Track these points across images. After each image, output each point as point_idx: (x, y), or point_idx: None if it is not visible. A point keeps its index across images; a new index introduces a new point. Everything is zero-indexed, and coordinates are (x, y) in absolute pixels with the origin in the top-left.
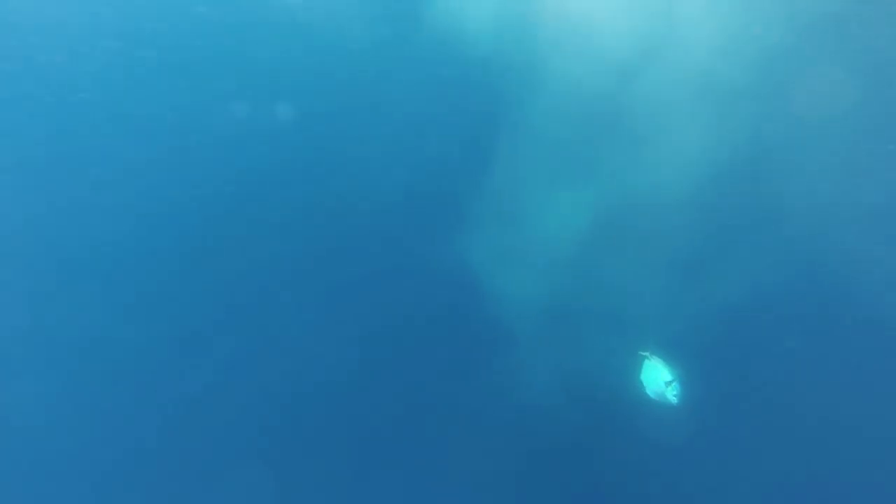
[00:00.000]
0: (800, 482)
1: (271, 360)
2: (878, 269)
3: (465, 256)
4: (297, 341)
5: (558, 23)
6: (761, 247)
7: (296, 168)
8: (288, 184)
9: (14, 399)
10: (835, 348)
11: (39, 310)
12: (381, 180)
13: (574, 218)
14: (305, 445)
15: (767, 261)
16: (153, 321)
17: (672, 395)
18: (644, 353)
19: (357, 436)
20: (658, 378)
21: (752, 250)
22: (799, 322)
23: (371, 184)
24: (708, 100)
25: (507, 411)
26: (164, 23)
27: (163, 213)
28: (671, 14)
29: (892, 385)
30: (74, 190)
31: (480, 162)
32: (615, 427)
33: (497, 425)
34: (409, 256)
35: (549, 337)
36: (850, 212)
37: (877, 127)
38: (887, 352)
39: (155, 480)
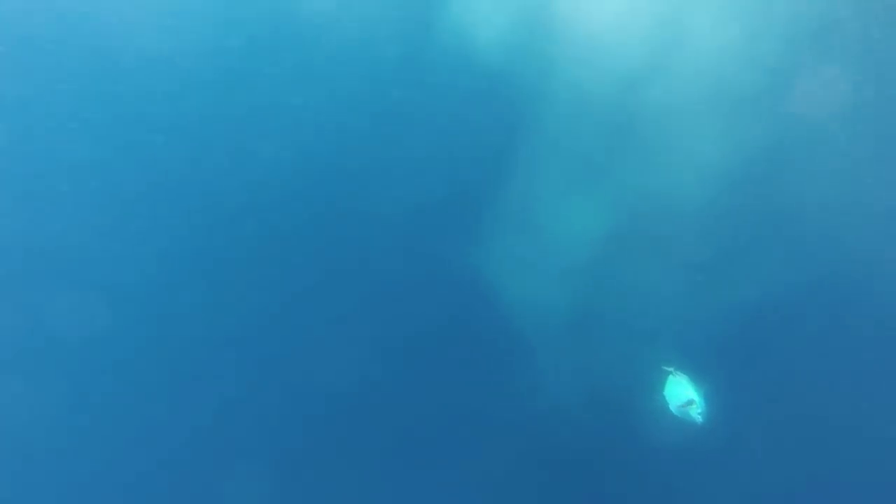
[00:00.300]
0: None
1: (292, 368)
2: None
3: (483, 264)
4: (318, 348)
5: (571, 32)
6: (777, 250)
7: (315, 178)
8: (305, 193)
9: (22, 400)
10: (855, 353)
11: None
12: (399, 189)
13: (590, 224)
14: (328, 449)
15: (784, 264)
16: (171, 328)
17: (696, 412)
18: (668, 369)
19: (376, 439)
20: (682, 395)
21: (769, 254)
22: (817, 326)
23: (389, 193)
24: (720, 105)
25: (526, 416)
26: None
27: (181, 219)
28: (681, 22)
29: None
30: (102, 197)
31: (497, 171)
32: (632, 433)
33: (516, 430)
34: (427, 264)
35: (567, 343)
36: (864, 213)
37: (885, 129)
38: None
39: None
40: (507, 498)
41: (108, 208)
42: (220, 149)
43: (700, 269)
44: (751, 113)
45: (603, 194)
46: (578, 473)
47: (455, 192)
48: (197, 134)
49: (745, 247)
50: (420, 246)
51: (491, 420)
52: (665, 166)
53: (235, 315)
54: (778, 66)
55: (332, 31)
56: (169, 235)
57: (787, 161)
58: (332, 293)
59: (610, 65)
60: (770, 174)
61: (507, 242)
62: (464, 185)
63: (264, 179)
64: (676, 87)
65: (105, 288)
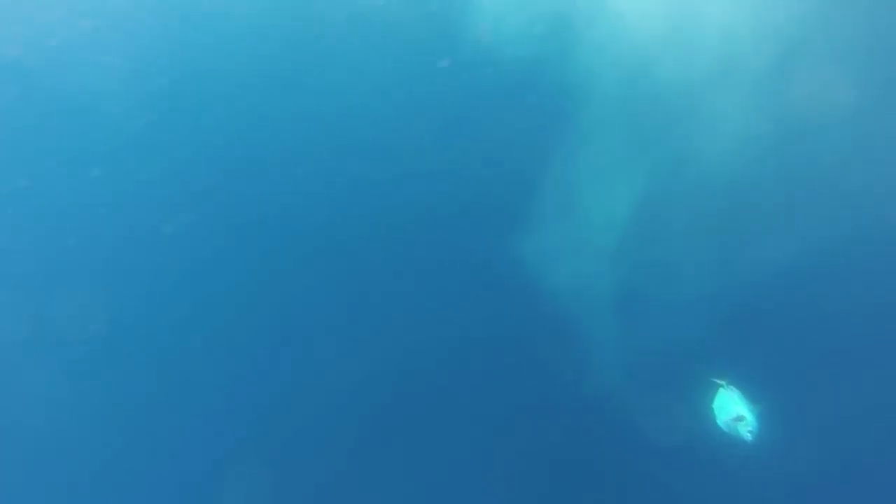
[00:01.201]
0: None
1: (333, 363)
2: None
3: (522, 255)
4: (358, 344)
5: (593, 19)
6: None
7: (353, 178)
8: (344, 194)
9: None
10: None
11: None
12: (435, 186)
13: (626, 209)
14: (367, 439)
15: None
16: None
17: (746, 430)
18: (719, 382)
19: (417, 431)
20: (732, 410)
21: (810, 232)
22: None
23: (425, 190)
24: (748, 79)
25: (569, 409)
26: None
27: (222, 221)
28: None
29: None
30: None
31: (530, 159)
32: (673, 435)
33: (559, 422)
34: (466, 256)
35: (611, 330)
36: None
37: None
38: None
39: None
40: (548, 489)
41: (119, 209)
42: (254, 149)
43: (741, 251)
44: (781, 82)
45: (638, 176)
46: (618, 468)
47: (491, 185)
48: (223, 135)
49: (791, 224)
50: (458, 240)
51: (537, 412)
52: (704, 148)
53: (287, 314)
54: (804, 35)
55: (355, 32)
56: (226, 236)
57: (825, 129)
58: (375, 291)
59: (635, 45)
60: (810, 143)
61: (545, 232)
62: (500, 176)
63: (297, 178)
64: (704, 62)
65: (111, 288)
